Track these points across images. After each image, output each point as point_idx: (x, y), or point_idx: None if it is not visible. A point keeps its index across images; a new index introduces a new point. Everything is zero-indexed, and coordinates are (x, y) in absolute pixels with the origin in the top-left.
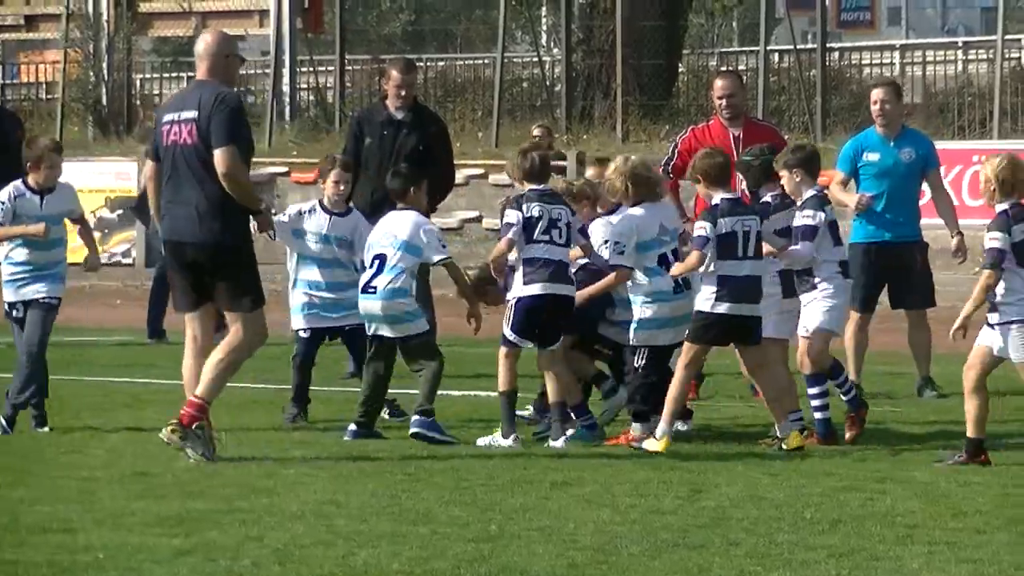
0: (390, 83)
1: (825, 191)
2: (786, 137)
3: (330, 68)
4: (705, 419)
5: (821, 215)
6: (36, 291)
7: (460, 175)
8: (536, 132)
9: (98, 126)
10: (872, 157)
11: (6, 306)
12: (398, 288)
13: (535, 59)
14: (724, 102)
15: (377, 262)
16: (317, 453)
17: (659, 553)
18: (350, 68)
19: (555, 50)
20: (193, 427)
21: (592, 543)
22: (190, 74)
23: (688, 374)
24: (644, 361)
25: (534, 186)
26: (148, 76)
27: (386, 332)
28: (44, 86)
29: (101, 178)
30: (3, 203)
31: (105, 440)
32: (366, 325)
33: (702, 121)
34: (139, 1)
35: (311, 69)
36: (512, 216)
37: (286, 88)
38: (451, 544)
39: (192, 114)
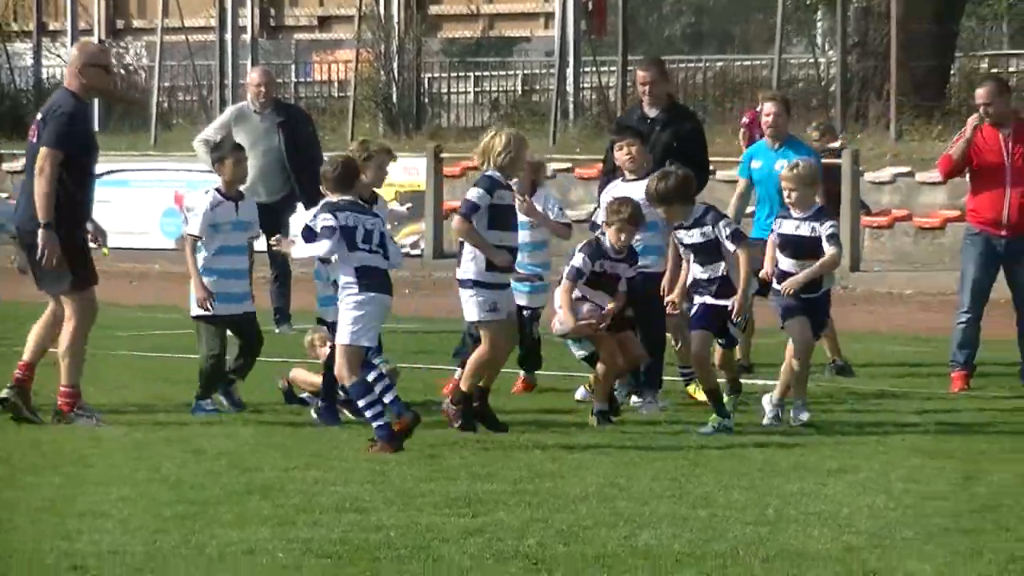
0: (638, 83)
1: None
2: None
3: (612, 68)
4: (977, 409)
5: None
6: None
7: None
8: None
9: (388, 124)
10: None
11: None
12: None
13: (811, 60)
14: (983, 110)
15: None
16: (600, 439)
17: (931, 537)
18: (632, 68)
19: (830, 52)
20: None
21: (867, 527)
22: (478, 73)
23: None
24: None
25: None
26: (436, 75)
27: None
28: (336, 84)
29: (391, 173)
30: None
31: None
32: None
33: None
34: (429, 3)
35: (594, 69)
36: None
37: (570, 88)
38: (730, 527)
39: None
